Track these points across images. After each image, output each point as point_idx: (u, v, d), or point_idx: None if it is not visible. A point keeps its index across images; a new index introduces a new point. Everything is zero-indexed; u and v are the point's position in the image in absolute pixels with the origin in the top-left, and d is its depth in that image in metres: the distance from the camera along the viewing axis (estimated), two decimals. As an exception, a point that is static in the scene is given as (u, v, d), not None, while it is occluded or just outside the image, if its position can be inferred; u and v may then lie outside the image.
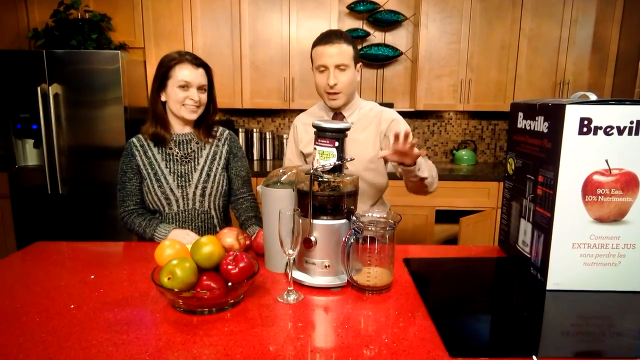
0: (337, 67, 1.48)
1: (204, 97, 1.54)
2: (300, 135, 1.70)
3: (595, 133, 0.97)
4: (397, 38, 3.36)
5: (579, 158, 0.98)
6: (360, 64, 1.58)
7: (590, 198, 1.00)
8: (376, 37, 3.36)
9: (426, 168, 1.39)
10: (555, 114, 1.01)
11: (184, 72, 1.48)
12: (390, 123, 1.58)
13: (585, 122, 0.97)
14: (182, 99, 1.49)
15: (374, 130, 1.59)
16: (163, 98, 1.53)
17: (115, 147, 2.84)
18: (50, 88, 2.76)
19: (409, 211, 3.01)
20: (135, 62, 3.08)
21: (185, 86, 1.49)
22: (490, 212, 2.98)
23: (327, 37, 1.48)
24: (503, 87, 3.22)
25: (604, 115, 0.96)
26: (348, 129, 1.08)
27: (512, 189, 1.24)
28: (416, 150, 1.26)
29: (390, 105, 3.18)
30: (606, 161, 0.99)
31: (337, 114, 1.60)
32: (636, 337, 0.85)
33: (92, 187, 2.91)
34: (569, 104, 0.97)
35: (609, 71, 3.18)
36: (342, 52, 1.47)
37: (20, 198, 2.93)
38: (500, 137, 3.64)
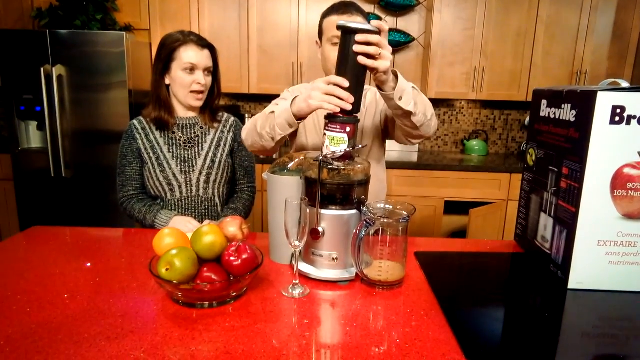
0: None
1: (209, 80, 1.48)
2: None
3: (628, 123, 0.90)
4: (410, 23, 3.26)
5: (609, 149, 0.91)
6: None
7: (619, 192, 0.93)
8: (388, 22, 3.26)
9: (415, 101, 1.12)
10: (584, 102, 0.93)
11: (189, 54, 1.41)
12: None
13: (618, 111, 0.90)
14: (189, 83, 1.43)
15: (372, 112, 1.48)
16: (167, 81, 1.47)
17: (119, 130, 2.78)
18: (54, 69, 2.70)
19: (417, 202, 2.94)
20: (141, 44, 3.01)
21: (191, 69, 1.42)
22: (500, 204, 2.90)
23: (344, 7, 1.33)
24: (518, 75, 3.11)
25: (638, 103, 0.89)
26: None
27: (532, 181, 1.17)
28: (386, 54, 0.99)
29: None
30: (638, 153, 0.91)
31: None
32: (667, 344, 0.79)
33: (95, 171, 2.87)
34: (600, 90, 0.89)
35: (628, 61, 3.07)
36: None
37: (23, 181, 2.90)
38: (512, 128, 3.55)
